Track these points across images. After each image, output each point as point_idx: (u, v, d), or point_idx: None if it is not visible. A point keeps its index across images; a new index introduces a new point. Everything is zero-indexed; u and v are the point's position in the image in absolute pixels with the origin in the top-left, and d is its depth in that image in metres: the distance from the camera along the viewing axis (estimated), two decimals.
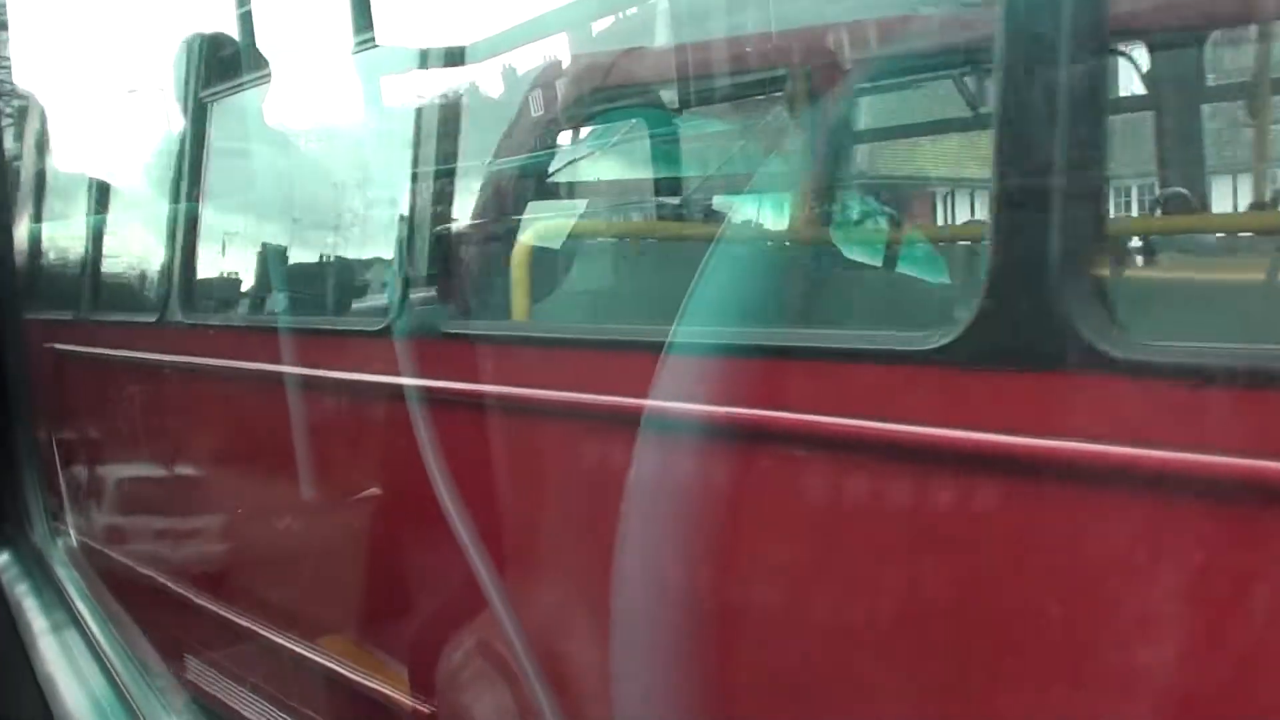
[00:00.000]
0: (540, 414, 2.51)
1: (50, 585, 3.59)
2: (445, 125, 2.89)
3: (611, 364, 2.35)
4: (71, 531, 4.83)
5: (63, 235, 5.94)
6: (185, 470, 4.12)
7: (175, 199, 4.29)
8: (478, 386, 2.60)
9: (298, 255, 3.83)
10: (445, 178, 2.87)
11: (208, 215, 4.22)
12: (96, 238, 5.16)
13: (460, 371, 2.70)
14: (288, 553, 3.42)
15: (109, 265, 5.11)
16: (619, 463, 2.24)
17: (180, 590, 3.82)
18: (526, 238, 2.69)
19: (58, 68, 6.00)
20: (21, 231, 6.26)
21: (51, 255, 6.02)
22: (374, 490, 3.03)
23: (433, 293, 2.81)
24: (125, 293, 5.02)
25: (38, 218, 6.23)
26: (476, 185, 2.96)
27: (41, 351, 5.47)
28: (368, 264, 3.38)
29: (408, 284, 2.87)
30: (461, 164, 2.88)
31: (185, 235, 4.18)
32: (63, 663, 3.01)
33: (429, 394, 2.76)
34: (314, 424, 3.28)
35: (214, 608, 3.62)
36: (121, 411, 4.57)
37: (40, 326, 5.68)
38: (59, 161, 6.35)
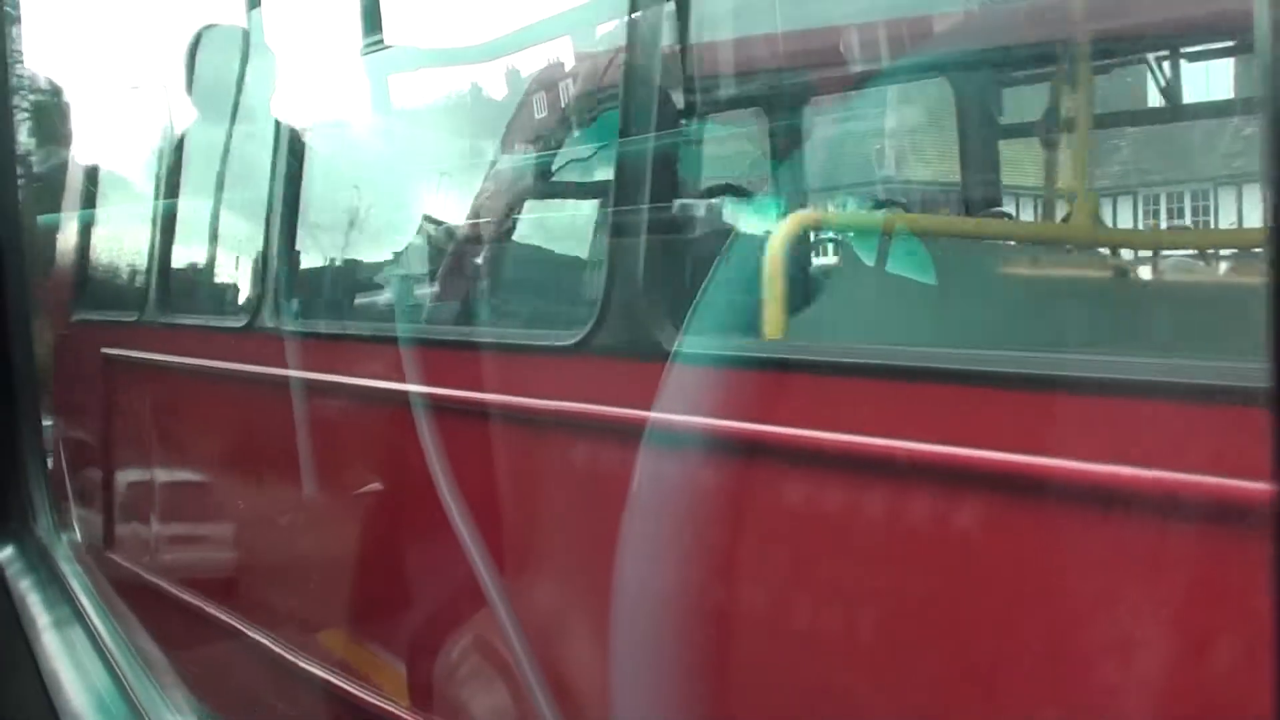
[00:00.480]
0: (813, 463, 1.93)
1: (54, 581, 3.42)
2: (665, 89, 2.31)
3: (943, 400, 1.76)
4: (136, 567, 4.23)
5: (121, 230, 5.35)
6: (277, 495, 3.51)
7: (269, 185, 3.71)
8: (732, 424, 2.00)
9: (438, 251, 3.22)
10: (664, 152, 2.27)
11: (310, 205, 3.64)
12: (165, 232, 4.55)
13: (691, 401, 2.11)
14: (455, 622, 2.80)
15: (181, 263, 4.51)
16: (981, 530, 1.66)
17: (315, 670, 3.16)
18: (785, 230, 2.09)
19: (112, 53, 5.48)
20: (71, 226, 5.72)
21: (108, 252, 5.42)
22: (552, 539, 2.43)
23: (643, 298, 2.21)
24: (202, 294, 4.42)
25: (90, 211, 5.65)
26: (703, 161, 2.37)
27: (95, 356, 4.89)
28: (543, 263, 2.76)
29: (612, 287, 2.28)
30: (687, 131, 2.29)
31: (283, 228, 3.58)
32: (66, 658, 2.91)
33: (645, 428, 2.16)
34: (468, 456, 2.68)
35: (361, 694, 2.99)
36: (197, 426, 3.96)
37: (94, 329, 5.10)
38: (111, 152, 5.79)
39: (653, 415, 2.17)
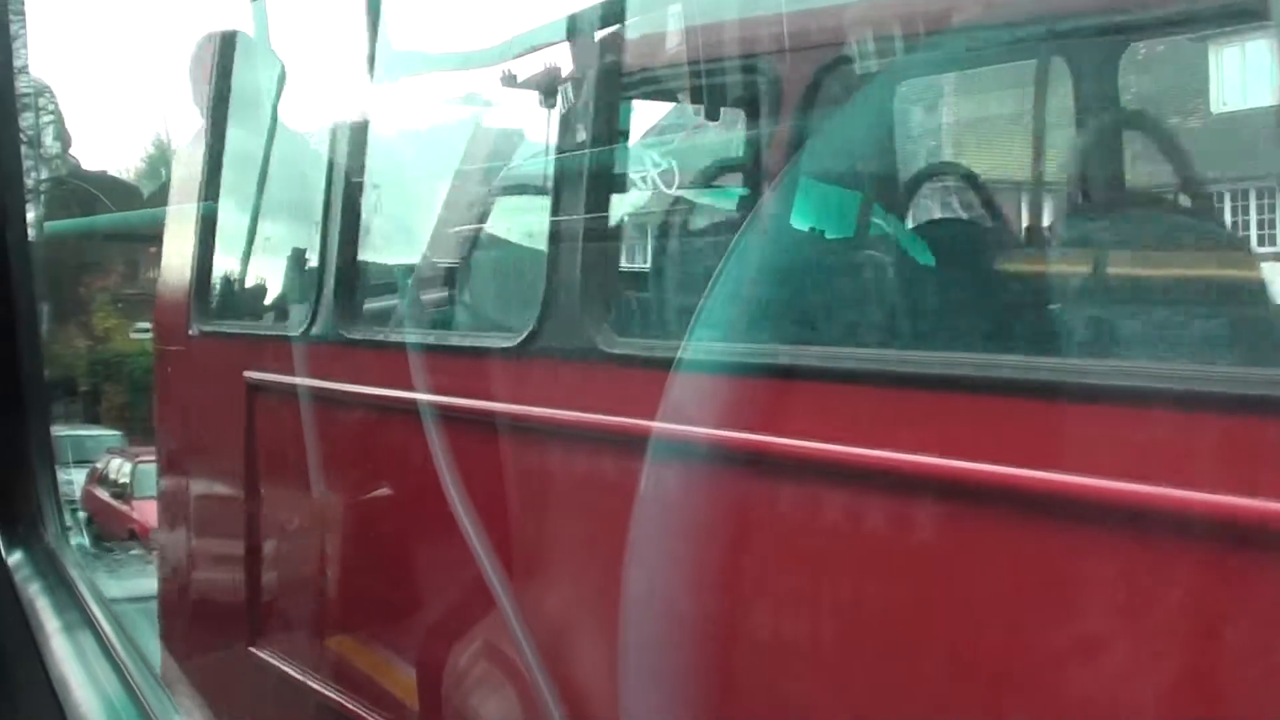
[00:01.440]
0: None
1: (63, 586, 3.47)
2: None
3: None
4: (313, 680, 3.01)
5: (265, 226, 4.18)
6: (574, 583, 2.29)
7: (553, 156, 2.57)
8: None
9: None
10: None
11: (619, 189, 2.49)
12: (347, 219, 3.36)
13: None
14: None
15: (377, 258, 3.29)
16: None
17: None
18: None
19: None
20: (185, 224, 4.61)
21: (245, 251, 4.24)
22: None
23: None
24: (410, 298, 3.22)
25: (213, 197, 4.50)
26: None
27: (226, 380, 3.70)
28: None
29: None
30: None
31: (589, 202, 2.40)
32: (75, 663, 2.94)
33: None
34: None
35: None
36: (431, 492, 2.68)
37: (227, 345, 3.92)
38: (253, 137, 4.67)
39: None
